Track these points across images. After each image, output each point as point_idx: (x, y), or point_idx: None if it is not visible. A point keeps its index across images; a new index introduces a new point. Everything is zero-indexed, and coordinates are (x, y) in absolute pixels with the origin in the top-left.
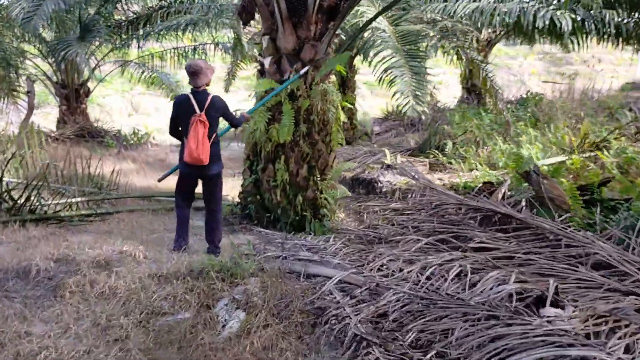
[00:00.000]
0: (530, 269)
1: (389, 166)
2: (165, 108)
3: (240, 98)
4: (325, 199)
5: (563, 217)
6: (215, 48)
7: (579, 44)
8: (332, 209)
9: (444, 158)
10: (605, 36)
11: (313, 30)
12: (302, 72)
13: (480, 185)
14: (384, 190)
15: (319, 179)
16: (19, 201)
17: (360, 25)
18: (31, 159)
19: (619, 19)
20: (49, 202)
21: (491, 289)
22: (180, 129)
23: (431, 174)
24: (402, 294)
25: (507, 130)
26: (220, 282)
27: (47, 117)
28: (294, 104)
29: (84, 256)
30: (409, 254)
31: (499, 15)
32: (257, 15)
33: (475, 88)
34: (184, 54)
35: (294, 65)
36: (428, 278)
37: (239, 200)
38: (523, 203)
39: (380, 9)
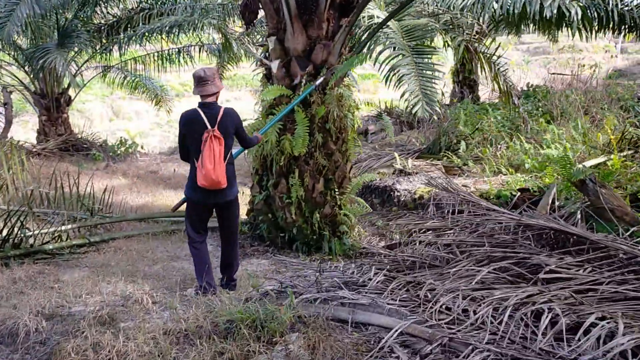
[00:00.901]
0: (629, 305)
1: (401, 171)
2: (146, 112)
3: (223, 98)
4: (345, 215)
5: (630, 231)
6: (200, 50)
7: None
8: (351, 226)
9: (459, 160)
10: (611, 24)
11: (325, 28)
12: (318, 82)
13: (518, 194)
14: (402, 199)
15: (337, 193)
16: None
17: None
18: (12, 180)
19: (623, 6)
20: (35, 231)
21: (598, 342)
22: (189, 149)
23: (450, 179)
24: (486, 352)
25: (525, 127)
26: (254, 342)
27: (26, 126)
28: (307, 112)
29: (81, 307)
30: (468, 286)
31: (501, 6)
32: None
33: (468, 81)
34: (167, 57)
35: (306, 68)
36: (507, 324)
37: (248, 220)
38: (578, 215)
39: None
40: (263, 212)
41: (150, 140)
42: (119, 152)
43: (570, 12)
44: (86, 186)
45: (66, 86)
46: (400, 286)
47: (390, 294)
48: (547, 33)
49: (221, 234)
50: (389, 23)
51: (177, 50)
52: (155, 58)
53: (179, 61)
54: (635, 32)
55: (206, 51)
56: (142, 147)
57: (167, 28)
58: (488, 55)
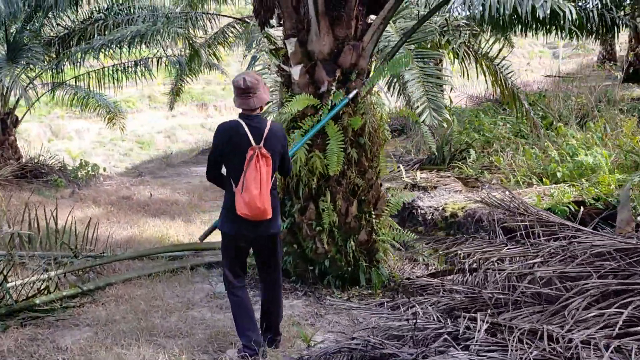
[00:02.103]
0: None
1: (414, 186)
2: (87, 131)
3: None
4: (383, 241)
5: None
6: (158, 62)
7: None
8: (388, 253)
9: (471, 171)
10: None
11: (354, 26)
12: (352, 94)
13: (581, 208)
14: (428, 218)
15: (373, 216)
16: None
17: None
18: None
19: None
20: (15, 282)
21: None
22: (226, 170)
23: (473, 192)
24: None
25: (535, 133)
26: None
27: None
28: (338, 124)
29: None
30: (604, 333)
31: (491, 6)
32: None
33: None
34: (123, 71)
35: (334, 73)
36: None
37: None
38: None
39: None
40: (287, 243)
41: (94, 160)
42: (80, 176)
43: (564, 12)
44: (63, 219)
45: (12, 106)
46: (514, 337)
47: (515, 350)
48: (503, 37)
49: (262, 277)
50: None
51: (134, 62)
52: (111, 71)
53: (136, 74)
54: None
55: (165, 63)
56: (104, 170)
57: (128, 39)
58: (490, 57)
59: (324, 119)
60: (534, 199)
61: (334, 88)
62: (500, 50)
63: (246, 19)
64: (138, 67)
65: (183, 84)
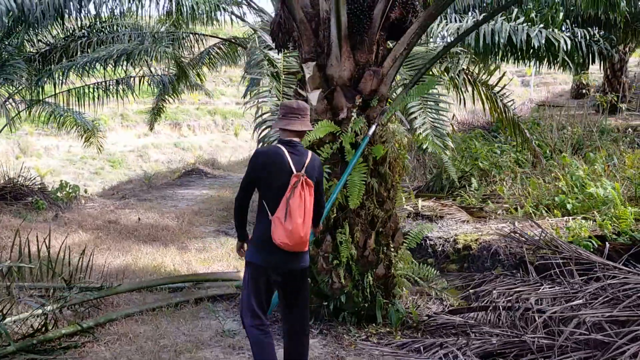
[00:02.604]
0: None
1: (417, 215)
2: (56, 148)
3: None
4: (401, 275)
5: None
6: (140, 81)
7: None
8: (406, 289)
9: (473, 200)
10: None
11: (375, 52)
12: (371, 131)
13: (608, 245)
14: (438, 250)
15: (392, 250)
16: None
17: None
18: None
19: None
20: (10, 318)
21: None
22: (260, 196)
23: (482, 223)
24: None
25: (539, 163)
26: None
27: None
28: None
29: None
30: None
31: (485, 35)
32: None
33: None
34: (105, 89)
35: (354, 99)
36: None
37: None
38: None
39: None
40: None
41: (64, 178)
42: (60, 197)
43: (559, 42)
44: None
45: None
46: None
47: None
48: (481, 64)
49: (288, 317)
50: None
51: (115, 81)
52: (93, 89)
53: (117, 93)
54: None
55: (148, 82)
56: (85, 192)
57: (114, 57)
58: (489, 85)
59: (352, 159)
60: (551, 232)
61: (354, 115)
62: (501, 78)
63: (232, 40)
64: (120, 85)
65: (164, 104)
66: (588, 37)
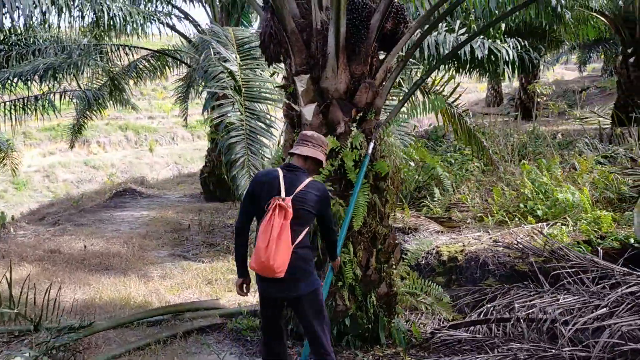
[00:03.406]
0: None
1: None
2: None
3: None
4: (403, 293)
5: None
6: (62, 97)
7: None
8: (406, 306)
9: (439, 210)
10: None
11: (369, 63)
12: (370, 150)
13: (602, 250)
14: (421, 263)
15: (393, 266)
16: None
17: None
18: None
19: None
20: None
21: None
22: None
23: (457, 233)
24: None
25: (495, 171)
26: None
27: None
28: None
29: None
30: None
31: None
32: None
33: None
34: (23, 106)
35: (350, 113)
36: None
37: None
38: None
39: None
40: None
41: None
42: None
43: (500, 53)
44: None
45: None
46: None
47: None
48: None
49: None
50: None
51: (34, 97)
52: (8, 107)
53: (36, 110)
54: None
55: (70, 98)
56: (12, 219)
57: (40, 72)
58: (444, 96)
59: (358, 181)
60: (530, 239)
61: (354, 129)
62: (455, 89)
63: (165, 52)
64: (38, 101)
65: (86, 120)
66: (519, 47)
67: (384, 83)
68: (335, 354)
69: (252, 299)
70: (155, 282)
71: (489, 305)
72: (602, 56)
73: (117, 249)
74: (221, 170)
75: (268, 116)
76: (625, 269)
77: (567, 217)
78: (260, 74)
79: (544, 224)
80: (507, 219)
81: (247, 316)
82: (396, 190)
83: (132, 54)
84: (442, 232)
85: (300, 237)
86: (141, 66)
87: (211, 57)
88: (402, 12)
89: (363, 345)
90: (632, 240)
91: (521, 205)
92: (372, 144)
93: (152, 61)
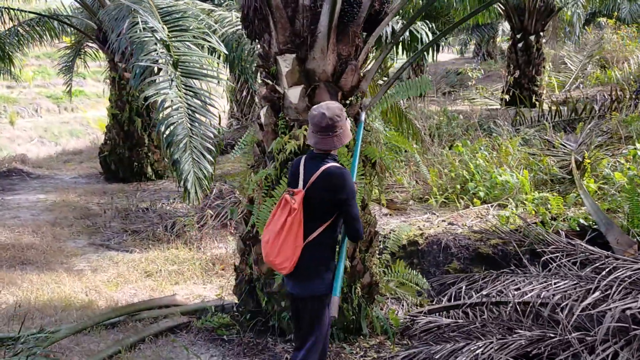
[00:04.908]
0: None
1: None
2: None
3: None
4: (389, 281)
5: None
6: None
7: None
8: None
9: (376, 191)
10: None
11: (355, 44)
12: (363, 116)
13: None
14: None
15: (377, 255)
16: None
17: None
18: None
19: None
20: None
21: None
22: None
23: (405, 215)
24: None
25: (426, 152)
26: None
27: None
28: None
29: None
30: None
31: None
32: None
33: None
34: None
35: (336, 96)
36: None
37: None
38: None
39: None
40: (281, 296)
41: None
42: None
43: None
44: None
45: None
46: None
47: None
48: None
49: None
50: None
51: None
52: None
53: None
54: None
55: None
56: None
57: None
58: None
59: (356, 146)
60: (497, 223)
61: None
62: (388, 68)
63: (55, 17)
64: None
65: None
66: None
67: (364, 65)
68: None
69: (210, 293)
70: (90, 278)
71: (484, 293)
72: (473, 41)
73: (28, 239)
74: (123, 149)
75: (207, 94)
76: (610, 253)
77: (510, 199)
78: (191, 47)
79: (489, 205)
80: (447, 201)
81: (215, 313)
82: (382, 177)
83: (14, 18)
84: (390, 214)
85: (315, 233)
86: (23, 32)
87: (139, 26)
88: None
89: (346, 337)
90: (585, 222)
91: (458, 186)
92: (363, 114)
93: (37, 27)
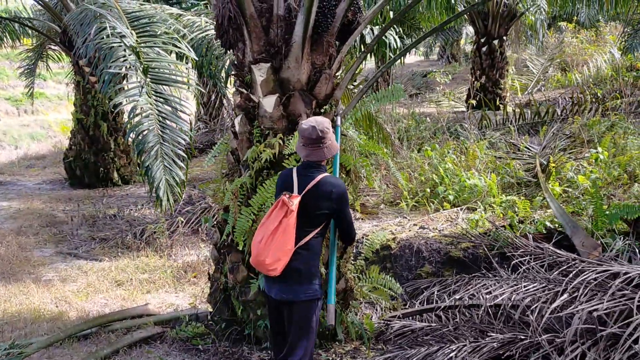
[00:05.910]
0: None
1: None
2: None
3: None
4: (362, 286)
5: None
6: None
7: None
8: (360, 299)
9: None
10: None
11: (328, 54)
12: (339, 121)
13: (531, 233)
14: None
15: (351, 261)
16: None
17: None
18: None
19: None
20: None
21: None
22: None
23: (377, 220)
24: None
25: (396, 156)
26: None
27: None
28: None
29: None
30: None
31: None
32: None
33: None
34: None
35: (311, 105)
36: None
37: (241, 317)
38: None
39: None
40: (259, 304)
41: None
42: None
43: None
44: None
45: None
46: None
47: None
48: None
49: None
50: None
51: None
52: None
53: None
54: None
55: None
56: None
57: None
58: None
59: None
60: (467, 227)
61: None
62: (356, 74)
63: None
64: None
65: None
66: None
67: (337, 74)
68: None
69: (183, 301)
70: (59, 288)
71: (457, 297)
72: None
73: None
74: (89, 154)
75: (177, 100)
76: (576, 255)
77: (478, 202)
78: (161, 53)
79: (458, 209)
80: (418, 205)
81: (189, 322)
82: (357, 183)
83: None
84: (362, 219)
85: (307, 238)
86: None
87: (107, 32)
88: (356, 1)
89: (322, 343)
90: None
91: (428, 190)
92: (339, 118)
93: None
